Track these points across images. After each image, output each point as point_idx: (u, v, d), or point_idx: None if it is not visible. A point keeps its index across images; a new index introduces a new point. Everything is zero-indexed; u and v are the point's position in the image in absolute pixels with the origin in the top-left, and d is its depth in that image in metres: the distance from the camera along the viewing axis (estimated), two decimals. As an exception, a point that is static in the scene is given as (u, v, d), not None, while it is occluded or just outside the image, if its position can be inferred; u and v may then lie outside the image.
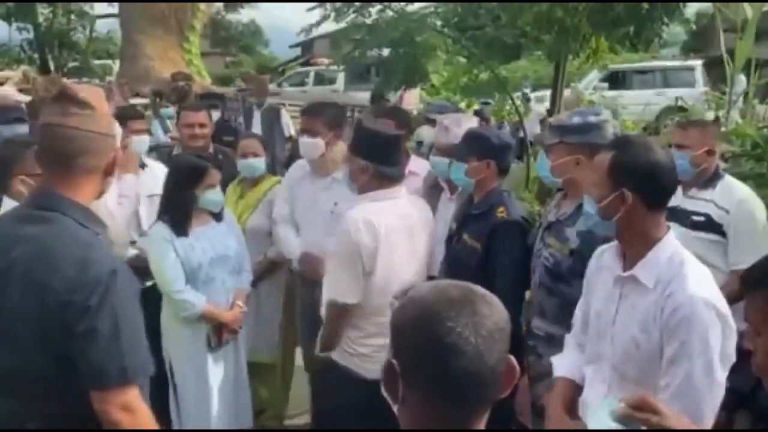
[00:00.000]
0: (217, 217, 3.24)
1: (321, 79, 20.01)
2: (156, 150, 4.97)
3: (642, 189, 1.91)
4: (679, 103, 7.70)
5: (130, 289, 1.76)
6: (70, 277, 1.64)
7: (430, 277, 3.31)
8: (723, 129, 6.06)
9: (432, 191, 3.58)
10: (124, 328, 1.68)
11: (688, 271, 1.87)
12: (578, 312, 2.27)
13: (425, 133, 4.40)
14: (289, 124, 7.45)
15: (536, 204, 5.98)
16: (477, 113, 7.66)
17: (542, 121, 8.31)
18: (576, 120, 2.58)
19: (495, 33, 7.04)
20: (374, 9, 7.06)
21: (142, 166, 3.70)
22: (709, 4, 9.15)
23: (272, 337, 3.81)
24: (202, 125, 4.11)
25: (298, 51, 31.03)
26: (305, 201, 3.57)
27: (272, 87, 20.75)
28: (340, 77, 18.45)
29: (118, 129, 1.92)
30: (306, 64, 24.56)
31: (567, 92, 8.93)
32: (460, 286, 1.13)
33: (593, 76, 14.78)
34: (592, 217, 2.04)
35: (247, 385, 3.39)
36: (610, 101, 10.72)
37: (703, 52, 20.72)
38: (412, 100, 13.53)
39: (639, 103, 10.48)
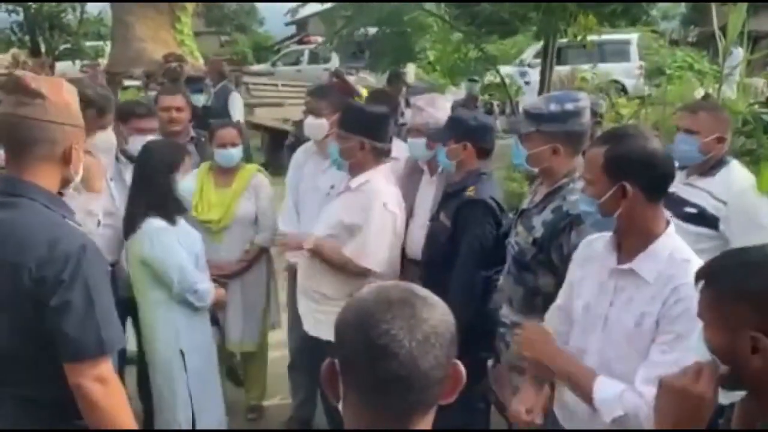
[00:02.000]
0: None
1: (315, 58, 19.90)
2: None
3: (641, 181, 1.87)
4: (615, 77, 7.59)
5: (100, 264, 1.82)
6: (41, 255, 1.69)
7: (411, 260, 3.33)
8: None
9: (413, 174, 3.57)
10: (97, 300, 1.73)
11: (694, 268, 1.83)
12: (559, 302, 2.21)
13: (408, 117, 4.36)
14: (239, 109, 7.35)
15: (525, 185, 5.95)
16: (469, 95, 7.55)
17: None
18: (553, 107, 2.48)
19: (493, 8, 6.95)
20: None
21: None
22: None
23: (257, 325, 3.83)
24: (178, 109, 4.03)
25: (293, 29, 30.74)
26: (307, 181, 3.62)
27: (266, 66, 20.70)
28: (335, 56, 18.33)
29: (78, 120, 1.88)
30: (301, 42, 24.36)
31: (558, 68, 8.83)
32: (403, 288, 1.12)
33: (530, 51, 14.59)
34: (591, 216, 1.99)
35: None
36: (604, 76, 10.60)
37: (702, 25, 20.52)
38: (410, 76, 13.45)
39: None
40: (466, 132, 2.98)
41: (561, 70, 10.15)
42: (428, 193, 3.37)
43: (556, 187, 2.50)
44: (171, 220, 2.96)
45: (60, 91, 1.83)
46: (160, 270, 2.93)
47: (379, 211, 2.98)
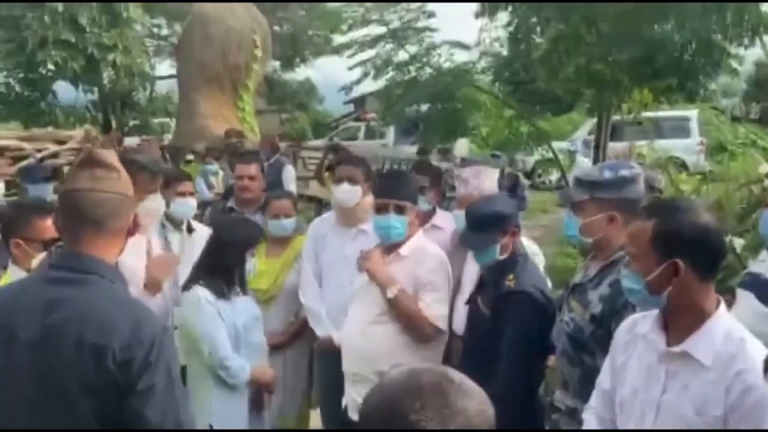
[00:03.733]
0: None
1: (371, 134, 20.31)
2: (204, 206, 4.97)
3: (695, 258, 1.75)
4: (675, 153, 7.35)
5: (174, 345, 1.84)
6: (125, 336, 1.65)
7: (455, 336, 3.20)
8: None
9: (460, 246, 3.48)
10: (176, 383, 1.72)
11: (754, 350, 1.70)
12: (601, 386, 2.07)
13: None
14: (292, 179, 7.53)
15: (580, 260, 5.75)
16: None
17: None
18: (607, 174, 2.41)
19: (546, 86, 7.01)
20: (413, 67, 7.16)
21: (190, 230, 3.57)
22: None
23: (297, 401, 3.75)
24: (251, 178, 4.13)
25: (351, 107, 31.65)
26: (332, 253, 3.57)
27: (324, 142, 21.29)
28: (390, 132, 18.70)
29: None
30: (358, 119, 25.00)
31: (614, 144, 8.72)
32: (437, 373, 1.03)
33: (585, 128, 14.40)
34: (637, 293, 1.87)
35: None
36: (662, 153, 10.41)
37: (764, 101, 20.18)
38: (463, 150, 13.55)
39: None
40: (510, 220, 2.82)
41: (617, 146, 10.04)
42: (475, 265, 3.27)
43: (611, 261, 2.37)
44: (222, 294, 2.95)
45: (119, 162, 1.84)
46: (192, 338, 2.91)
47: (445, 272, 3.03)
